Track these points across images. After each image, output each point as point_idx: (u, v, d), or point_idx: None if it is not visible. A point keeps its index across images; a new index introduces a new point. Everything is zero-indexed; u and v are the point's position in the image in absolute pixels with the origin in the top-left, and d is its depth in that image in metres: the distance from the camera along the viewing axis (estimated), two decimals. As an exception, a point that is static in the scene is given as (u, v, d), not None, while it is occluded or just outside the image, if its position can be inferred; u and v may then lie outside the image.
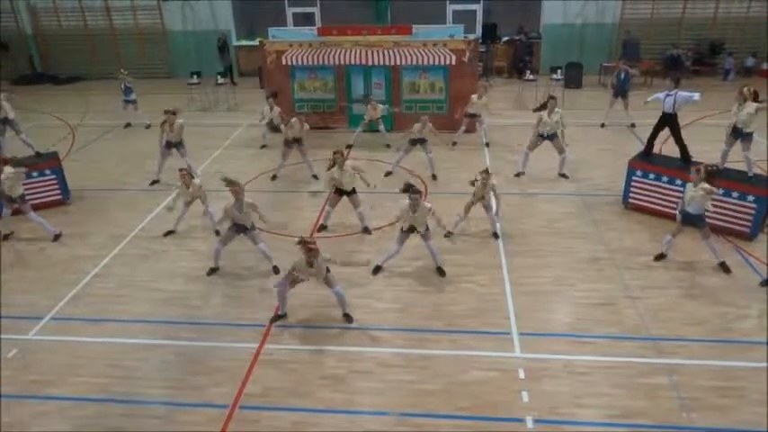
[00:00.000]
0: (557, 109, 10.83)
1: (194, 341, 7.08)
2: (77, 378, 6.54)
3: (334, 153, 9.05)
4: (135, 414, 6.02)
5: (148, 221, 10.12)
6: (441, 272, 8.23)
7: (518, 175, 11.27)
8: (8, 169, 9.05)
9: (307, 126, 11.37)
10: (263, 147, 13.48)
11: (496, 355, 6.66)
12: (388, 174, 11.60)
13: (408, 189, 7.82)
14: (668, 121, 9.80)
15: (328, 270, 7.14)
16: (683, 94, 9.63)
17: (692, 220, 8.00)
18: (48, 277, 8.53)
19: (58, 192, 10.76)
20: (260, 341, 7.00)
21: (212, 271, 8.48)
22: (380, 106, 12.98)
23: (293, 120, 11.31)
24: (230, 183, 7.93)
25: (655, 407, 5.88)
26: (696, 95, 9.62)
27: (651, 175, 9.43)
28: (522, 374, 6.36)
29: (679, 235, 8.23)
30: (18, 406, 6.17)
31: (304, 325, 7.32)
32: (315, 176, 11.28)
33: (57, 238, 9.54)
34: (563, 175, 11.19)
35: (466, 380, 6.31)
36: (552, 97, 11.03)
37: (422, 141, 11.37)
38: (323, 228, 9.58)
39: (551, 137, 10.91)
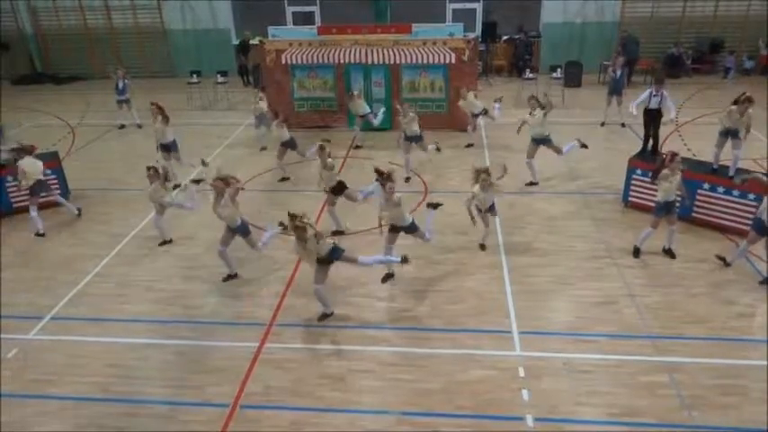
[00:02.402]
0: (537, 109, 10.44)
1: (194, 340, 7.08)
2: (77, 378, 6.54)
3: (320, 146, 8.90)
4: (135, 413, 6.02)
5: (148, 221, 10.10)
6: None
7: (530, 184, 10.96)
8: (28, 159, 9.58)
9: (285, 132, 11.13)
10: (263, 149, 13.32)
11: (496, 354, 6.66)
12: (408, 179, 11.32)
13: (380, 175, 7.58)
14: (654, 116, 10.07)
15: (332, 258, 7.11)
16: (667, 97, 9.90)
17: (669, 208, 8.16)
18: (48, 277, 8.53)
19: (59, 192, 10.73)
20: (260, 340, 7.00)
21: (229, 277, 8.26)
22: (359, 100, 12.92)
23: (275, 122, 11.16)
24: (222, 178, 7.76)
25: (655, 405, 5.87)
26: (673, 113, 10.09)
27: (651, 174, 9.41)
28: (522, 373, 6.35)
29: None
30: (18, 406, 6.17)
31: (304, 324, 7.32)
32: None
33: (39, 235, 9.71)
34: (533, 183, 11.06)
35: (466, 378, 6.31)
36: (532, 97, 10.78)
37: (417, 139, 11.08)
38: (339, 233, 9.30)
39: (544, 141, 10.59)
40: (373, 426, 5.77)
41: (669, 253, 8.46)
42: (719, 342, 6.74)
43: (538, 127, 10.50)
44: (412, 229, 7.86)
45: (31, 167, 9.51)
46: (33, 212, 9.57)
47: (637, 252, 8.50)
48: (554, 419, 5.76)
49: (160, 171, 8.87)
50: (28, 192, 9.59)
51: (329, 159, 8.88)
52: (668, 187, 7.97)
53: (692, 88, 17.29)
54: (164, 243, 9.32)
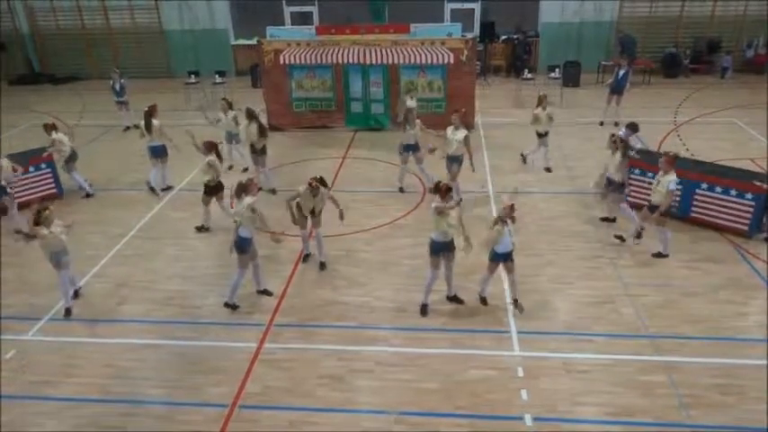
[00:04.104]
0: (455, 128, 9.77)
1: (193, 341, 7.07)
2: (76, 378, 6.53)
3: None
4: (134, 414, 6.01)
5: (146, 221, 10.11)
6: (458, 300, 7.62)
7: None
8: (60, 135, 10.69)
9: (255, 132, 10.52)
10: (231, 168, 11.93)
11: (495, 354, 6.66)
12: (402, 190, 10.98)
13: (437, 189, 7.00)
14: None
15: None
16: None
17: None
18: (46, 278, 8.47)
19: (53, 185, 10.92)
20: (259, 340, 7.00)
21: (233, 307, 7.66)
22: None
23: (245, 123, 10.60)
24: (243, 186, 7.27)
25: (653, 404, 5.88)
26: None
27: (650, 174, 9.43)
28: (520, 373, 6.36)
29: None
30: (17, 406, 6.16)
31: (303, 324, 7.31)
32: (273, 191, 10.76)
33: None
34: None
35: (465, 378, 6.31)
36: (455, 111, 10.00)
37: (414, 148, 10.54)
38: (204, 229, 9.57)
39: (455, 159, 9.87)
40: (372, 425, 5.77)
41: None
42: (717, 341, 6.75)
43: (453, 147, 9.68)
44: (451, 247, 7.24)
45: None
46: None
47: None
48: (552, 419, 5.76)
49: (50, 209, 7.18)
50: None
51: (212, 158, 9.09)
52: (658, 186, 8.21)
53: (690, 88, 17.33)
54: (68, 312, 7.61)
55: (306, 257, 8.70)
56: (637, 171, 9.66)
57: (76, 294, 7.88)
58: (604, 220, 9.53)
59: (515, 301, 7.42)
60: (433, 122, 12.19)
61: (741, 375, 6.21)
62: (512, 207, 7.03)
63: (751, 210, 8.69)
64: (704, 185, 9.03)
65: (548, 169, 11.58)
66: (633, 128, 10.00)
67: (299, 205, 8.12)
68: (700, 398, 5.94)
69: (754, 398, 5.91)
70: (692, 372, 6.29)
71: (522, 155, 11.87)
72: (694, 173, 9.20)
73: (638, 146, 10.13)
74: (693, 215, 9.21)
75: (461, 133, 9.64)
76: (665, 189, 7.91)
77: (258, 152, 10.76)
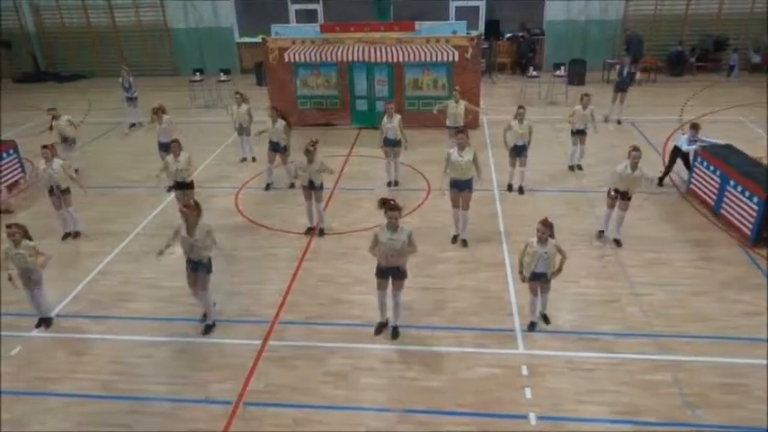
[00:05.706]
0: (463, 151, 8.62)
1: (197, 338, 7.09)
2: (80, 375, 6.55)
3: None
4: (138, 411, 6.03)
5: (151, 218, 10.13)
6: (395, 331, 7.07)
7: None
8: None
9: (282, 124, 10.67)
10: (243, 160, 12.58)
11: (500, 352, 6.65)
12: (390, 184, 11.18)
13: (384, 205, 6.38)
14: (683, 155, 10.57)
15: (321, 187, 8.96)
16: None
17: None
18: (51, 275, 8.46)
19: (19, 170, 11.71)
20: (263, 338, 7.01)
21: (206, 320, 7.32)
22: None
23: (275, 121, 10.65)
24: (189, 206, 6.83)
25: (658, 404, 5.86)
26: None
27: (705, 163, 9.80)
28: (525, 371, 6.35)
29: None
30: (21, 403, 6.19)
31: (307, 322, 7.32)
32: (292, 185, 11.06)
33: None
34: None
35: (469, 377, 6.31)
36: (461, 131, 8.93)
37: (393, 143, 10.60)
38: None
39: (466, 185, 8.63)
40: (376, 423, 5.77)
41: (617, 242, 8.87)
42: (722, 341, 6.73)
43: (461, 171, 8.51)
44: (400, 274, 6.73)
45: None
46: None
47: (601, 234, 9.01)
48: (557, 418, 5.75)
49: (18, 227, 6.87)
50: None
51: (181, 156, 9.23)
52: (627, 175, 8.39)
53: (696, 86, 17.25)
54: (44, 323, 7.41)
55: (308, 230, 9.40)
56: (698, 160, 9.96)
57: (49, 323, 7.42)
58: (510, 189, 10.65)
59: (544, 317, 7.18)
60: (436, 120, 12.22)
61: (746, 375, 6.19)
62: (543, 223, 6.39)
63: (754, 215, 8.49)
64: (732, 182, 9.02)
65: (578, 167, 11.55)
66: (696, 128, 10.28)
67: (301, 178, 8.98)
68: (704, 397, 5.92)
69: (759, 397, 5.88)
70: (696, 371, 6.27)
71: (577, 168, 11.62)
72: (729, 168, 9.21)
73: (696, 144, 10.25)
74: (722, 212, 9.25)
75: (470, 154, 8.35)
76: (644, 178, 8.43)
77: (282, 150, 10.92)
